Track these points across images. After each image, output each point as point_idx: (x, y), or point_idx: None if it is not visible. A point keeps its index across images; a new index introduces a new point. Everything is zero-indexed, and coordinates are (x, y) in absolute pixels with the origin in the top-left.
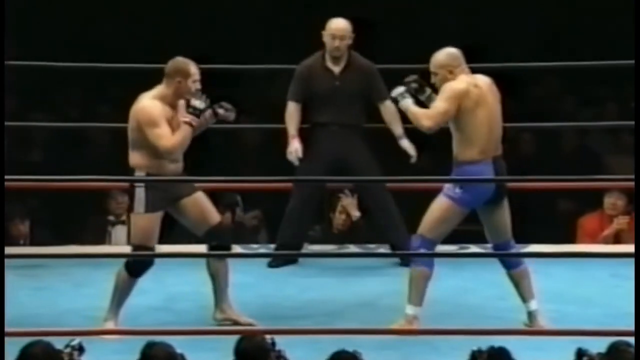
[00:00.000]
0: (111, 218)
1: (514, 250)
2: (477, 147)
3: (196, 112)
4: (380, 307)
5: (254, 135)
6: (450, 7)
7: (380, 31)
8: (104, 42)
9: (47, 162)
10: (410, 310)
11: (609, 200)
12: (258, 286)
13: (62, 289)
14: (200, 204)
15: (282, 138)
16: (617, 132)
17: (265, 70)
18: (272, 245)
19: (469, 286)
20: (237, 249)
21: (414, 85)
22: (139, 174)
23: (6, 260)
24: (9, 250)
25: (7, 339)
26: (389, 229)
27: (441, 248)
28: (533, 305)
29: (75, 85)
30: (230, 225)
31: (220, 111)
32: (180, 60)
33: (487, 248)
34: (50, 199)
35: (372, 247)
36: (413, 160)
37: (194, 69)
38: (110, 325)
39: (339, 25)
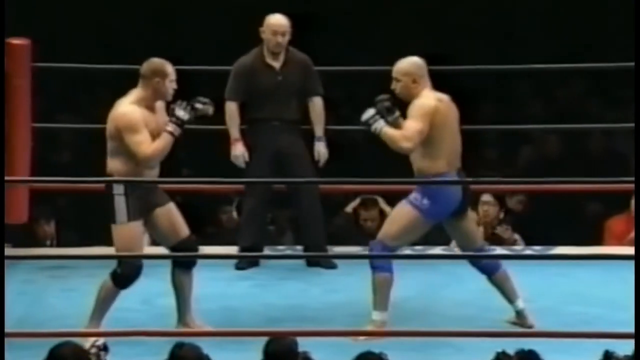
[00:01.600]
0: None
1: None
2: (443, 161)
3: (178, 122)
4: (405, 309)
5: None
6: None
7: (318, 27)
8: (131, 43)
9: (75, 163)
10: (376, 316)
11: (635, 202)
12: (282, 287)
13: (89, 290)
14: (171, 216)
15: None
16: None
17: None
18: (299, 247)
19: (493, 288)
20: (264, 250)
21: (386, 104)
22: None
23: (33, 262)
24: (35, 251)
25: (35, 340)
26: (309, 230)
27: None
28: (520, 304)
29: (102, 86)
30: (196, 240)
31: (199, 106)
32: (156, 61)
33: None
34: (77, 200)
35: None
36: (320, 165)
37: (170, 68)
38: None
39: (280, 21)
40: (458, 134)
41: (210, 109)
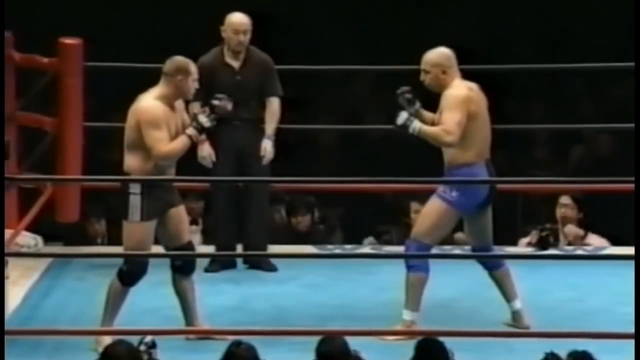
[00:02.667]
0: None
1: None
2: (474, 150)
3: (199, 128)
4: (456, 308)
5: (329, 136)
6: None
7: (276, 26)
8: (182, 42)
9: (122, 162)
10: (407, 315)
11: None
12: (331, 287)
13: (139, 288)
14: (179, 219)
15: (354, 138)
16: None
17: (340, 70)
18: (348, 246)
19: (545, 288)
20: (311, 249)
21: (407, 96)
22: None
23: (85, 260)
24: (87, 249)
25: (82, 339)
26: (253, 230)
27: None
28: (517, 304)
29: (153, 85)
30: (193, 246)
31: (215, 102)
32: (180, 59)
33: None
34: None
35: (448, 248)
36: (264, 162)
37: (193, 67)
38: (105, 335)
39: (242, 20)
40: (488, 124)
41: (229, 105)
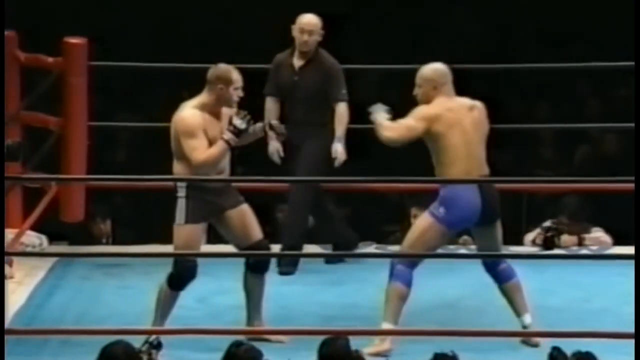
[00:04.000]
0: None
1: (504, 266)
2: (458, 168)
3: (235, 131)
4: (459, 308)
5: None
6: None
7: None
8: (190, 42)
9: (131, 161)
10: (386, 326)
11: None
12: (336, 287)
13: (145, 288)
14: (243, 219)
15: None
16: None
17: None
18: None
19: (550, 288)
20: (316, 249)
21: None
22: (181, 185)
23: (90, 259)
24: (91, 249)
25: (87, 338)
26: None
27: None
28: (527, 319)
29: (160, 85)
30: (268, 244)
31: (274, 129)
32: (222, 67)
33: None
34: (133, 198)
35: (452, 248)
36: (336, 164)
37: (236, 75)
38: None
39: (308, 20)
40: (479, 142)
41: (282, 130)
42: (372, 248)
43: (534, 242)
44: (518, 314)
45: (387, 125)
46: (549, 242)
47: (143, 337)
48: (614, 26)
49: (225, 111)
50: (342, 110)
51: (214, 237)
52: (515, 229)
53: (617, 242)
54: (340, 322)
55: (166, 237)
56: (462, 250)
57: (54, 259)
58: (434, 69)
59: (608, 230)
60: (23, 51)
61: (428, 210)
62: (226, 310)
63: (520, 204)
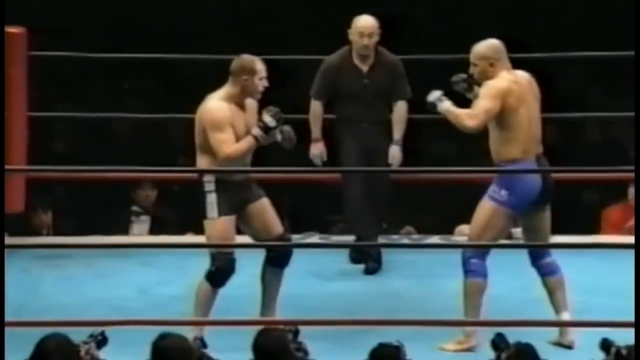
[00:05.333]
0: (135, 209)
1: (549, 260)
2: (519, 146)
3: (265, 128)
4: (405, 297)
5: None
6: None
7: (405, 27)
8: (132, 32)
9: (70, 152)
10: (468, 327)
11: (632, 191)
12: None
13: (86, 279)
14: (264, 212)
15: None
16: None
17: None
18: (297, 236)
19: (490, 276)
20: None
21: (462, 85)
22: (208, 179)
23: (29, 251)
24: (32, 240)
25: (27, 330)
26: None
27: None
28: (565, 317)
29: (100, 76)
30: (289, 238)
31: (278, 137)
32: (246, 58)
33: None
34: (73, 189)
35: (395, 238)
36: (392, 167)
37: (260, 65)
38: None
39: (367, 22)
40: (537, 118)
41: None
42: (315, 238)
43: None
44: (557, 311)
45: (465, 114)
46: None
47: (89, 330)
48: (557, 16)
49: (249, 102)
50: (402, 109)
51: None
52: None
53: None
54: (283, 312)
55: (107, 228)
56: (405, 241)
57: None
58: (487, 45)
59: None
60: None
61: (487, 195)
62: (168, 301)
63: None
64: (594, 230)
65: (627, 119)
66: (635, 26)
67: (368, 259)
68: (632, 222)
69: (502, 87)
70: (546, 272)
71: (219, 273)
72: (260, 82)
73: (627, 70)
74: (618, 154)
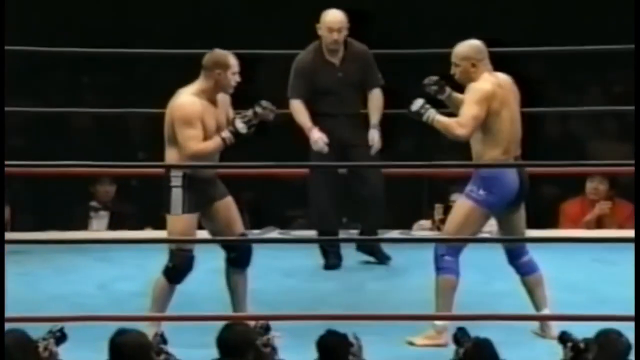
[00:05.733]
0: (94, 204)
1: (526, 259)
2: (501, 147)
3: (234, 132)
4: (365, 291)
5: None
6: None
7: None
8: (89, 27)
9: (29, 147)
10: (438, 321)
11: (591, 185)
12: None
13: (44, 275)
14: (228, 211)
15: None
16: (600, 118)
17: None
18: (256, 231)
19: None
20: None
21: (434, 87)
22: (175, 174)
23: None
24: None
25: None
26: (368, 216)
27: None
28: (546, 313)
29: (58, 70)
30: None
31: (258, 110)
32: (218, 52)
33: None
34: (32, 185)
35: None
36: (372, 152)
37: (233, 60)
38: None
39: (335, 17)
40: (518, 120)
41: (271, 115)
42: (275, 233)
43: (433, 223)
44: (537, 307)
45: (454, 124)
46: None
47: (48, 326)
48: (512, 12)
49: (221, 97)
50: (377, 95)
51: (137, 222)
52: (416, 213)
53: None
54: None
55: (65, 224)
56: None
57: None
58: (470, 46)
59: None
60: None
61: (465, 194)
62: (128, 297)
63: (422, 189)
64: (552, 224)
65: (585, 113)
66: (635, 26)
67: (329, 255)
68: (589, 217)
69: (487, 91)
70: (525, 271)
71: (177, 270)
72: (233, 77)
73: (583, 65)
74: (576, 149)
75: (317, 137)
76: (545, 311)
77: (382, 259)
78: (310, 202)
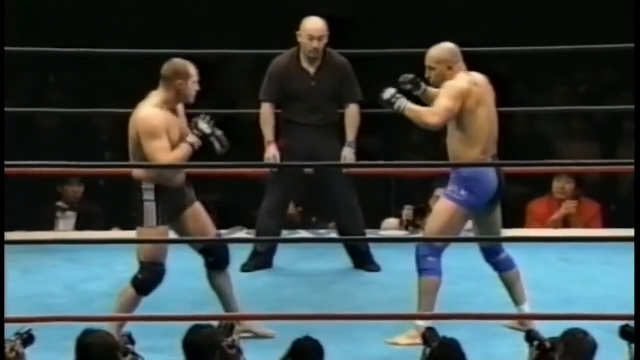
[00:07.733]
0: (61, 204)
1: (504, 256)
2: (480, 147)
3: (200, 135)
4: (330, 292)
5: None
6: None
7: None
8: (56, 26)
9: None
10: (421, 321)
11: (557, 185)
12: (204, 272)
13: (10, 275)
14: (198, 217)
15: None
16: (566, 118)
17: (217, 55)
18: (224, 231)
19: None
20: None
21: (409, 86)
22: (147, 187)
23: None
24: None
25: None
26: (348, 221)
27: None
28: (525, 308)
29: (24, 69)
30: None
31: (217, 145)
32: (178, 62)
33: None
34: None
35: (323, 233)
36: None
37: (193, 69)
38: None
39: (316, 25)
40: (495, 119)
41: (222, 151)
42: (243, 233)
43: (401, 224)
44: (516, 302)
45: (426, 112)
46: (414, 223)
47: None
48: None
49: (180, 107)
50: (354, 112)
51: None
52: (385, 212)
53: None
54: (209, 307)
55: (31, 223)
56: (334, 235)
57: None
58: (444, 49)
59: None
60: None
61: (445, 194)
62: (95, 297)
63: (390, 188)
64: (519, 223)
65: (551, 112)
66: (635, 26)
67: (259, 255)
68: (556, 216)
69: (462, 88)
70: (503, 268)
71: (146, 283)
72: (194, 86)
73: (550, 65)
74: (543, 148)
75: (271, 156)
76: (525, 306)
77: (367, 266)
78: (263, 202)
